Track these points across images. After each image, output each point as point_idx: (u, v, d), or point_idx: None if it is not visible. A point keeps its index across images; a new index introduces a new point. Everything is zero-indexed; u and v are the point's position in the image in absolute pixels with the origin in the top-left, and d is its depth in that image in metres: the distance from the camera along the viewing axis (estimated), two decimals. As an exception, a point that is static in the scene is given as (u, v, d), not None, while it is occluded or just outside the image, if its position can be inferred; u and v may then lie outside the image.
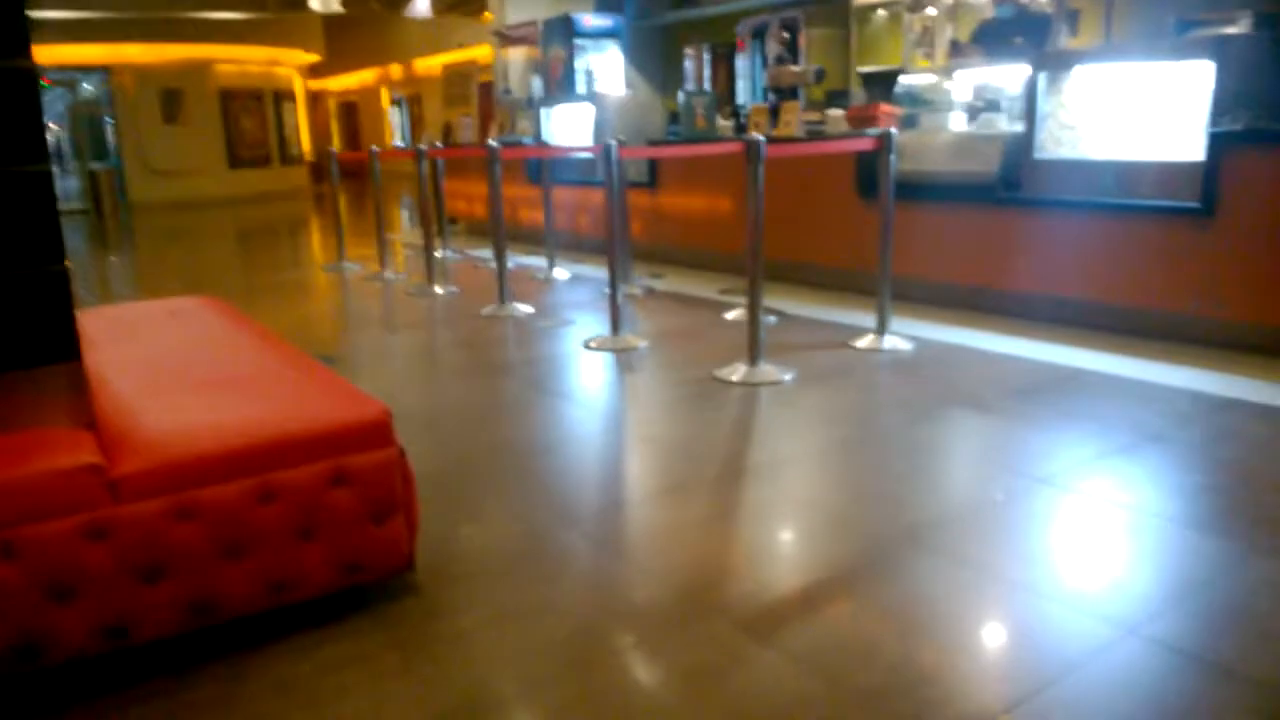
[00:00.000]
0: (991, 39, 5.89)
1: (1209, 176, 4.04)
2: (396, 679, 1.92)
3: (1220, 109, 4.05)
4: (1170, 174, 4.25)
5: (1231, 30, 5.16)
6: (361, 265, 7.98)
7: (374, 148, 7.83)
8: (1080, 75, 4.71)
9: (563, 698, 1.84)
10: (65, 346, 2.09)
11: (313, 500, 2.04)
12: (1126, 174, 4.44)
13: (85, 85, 17.48)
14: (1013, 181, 4.88)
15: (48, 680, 1.89)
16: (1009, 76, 5.49)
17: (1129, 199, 4.39)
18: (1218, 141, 4.01)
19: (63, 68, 16.58)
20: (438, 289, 6.56)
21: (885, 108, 5.62)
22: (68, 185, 16.80)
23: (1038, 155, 4.77)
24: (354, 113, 26.59)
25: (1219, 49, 4.14)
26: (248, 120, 18.72)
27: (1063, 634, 2.02)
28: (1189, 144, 4.22)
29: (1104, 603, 2.13)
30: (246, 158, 18.65)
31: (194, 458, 1.94)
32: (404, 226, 11.63)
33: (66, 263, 2.07)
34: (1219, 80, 4.05)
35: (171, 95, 17.51)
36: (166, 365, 2.61)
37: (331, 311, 6.59)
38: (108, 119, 17.31)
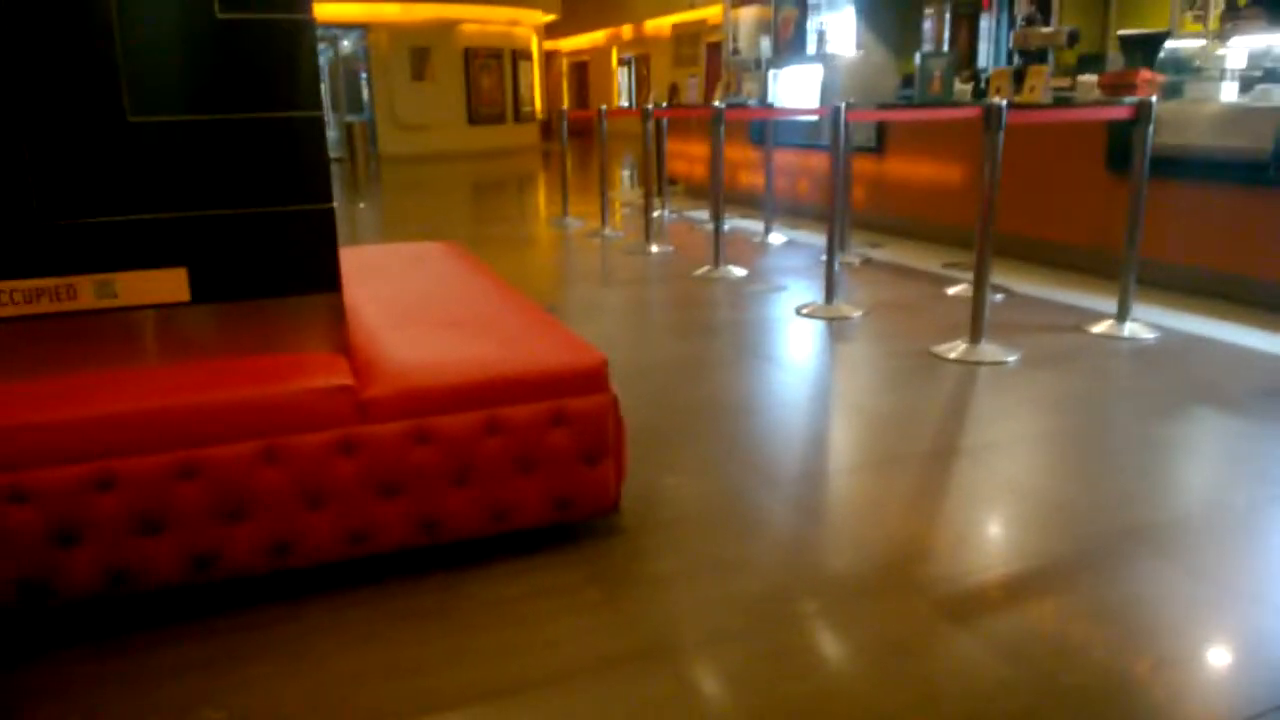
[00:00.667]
0: (1276, 1, 5.26)
1: None
2: (597, 611, 2.02)
3: None
4: None
5: None
6: (583, 221, 8.25)
7: (602, 107, 8.04)
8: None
9: (749, 652, 1.88)
10: (328, 278, 2.31)
11: (533, 437, 2.17)
12: None
13: (345, 42, 18.93)
14: (1291, 160, 4.37)
15: (295, 577, 2.12)
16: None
17: None
18: None
19: (326, 25, 18.01)
20: (654, 248, 6.69)
21: (1145, 74, 5.16)
22: (329, 136, 18.33)
23: (1325, 131, 4.24)
24: (584, 72, 27.32)
25: None
26: (487, 78, 19.67)
27: (1307, 658, 1.84)
28: None
29: (1362, 631, 1.92)
30: (484, 114, 19.63)
31: (433, 387, 2.11)
32: (625, 185, 11.90)
33: (333, 202, 2.29)
34: None
35: (420, 53, 18.67)
36: (410, 302, 2.84)
37: (553, 263, 6.88)
38: (363, 74, 18.70)
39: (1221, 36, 5.30)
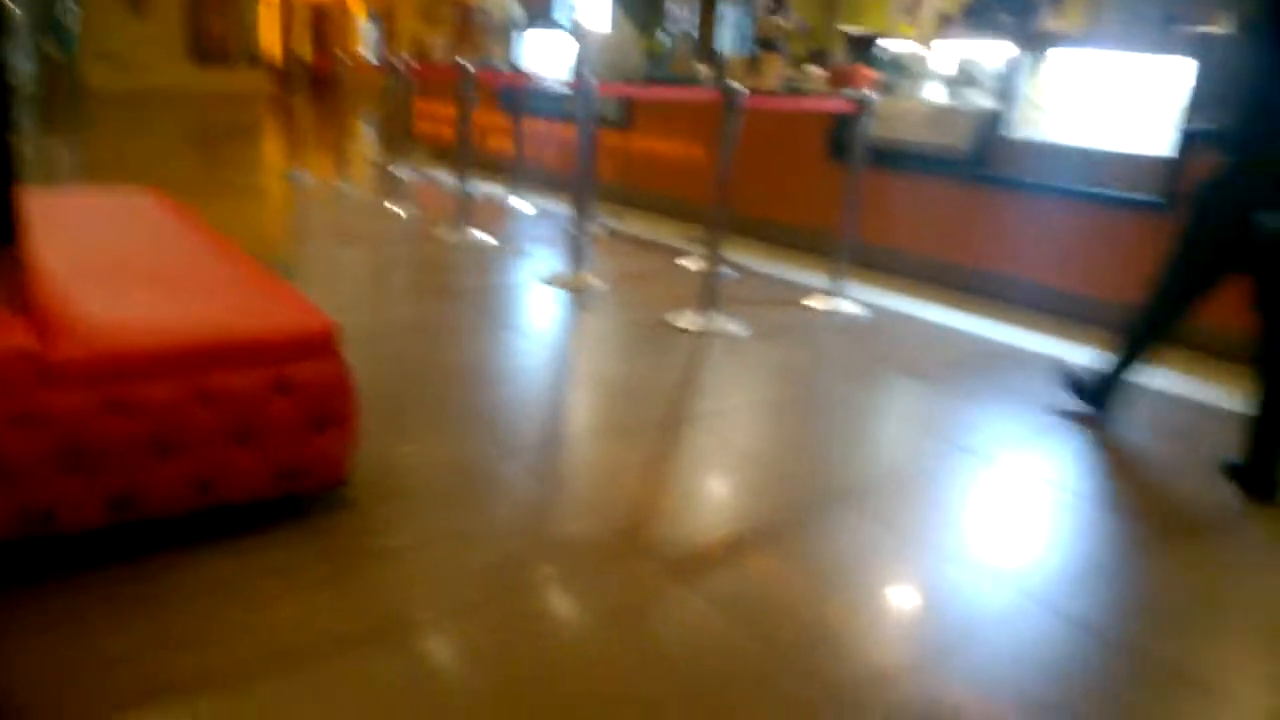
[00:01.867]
0: (978, 13, 5.87)
1: (1175, 173, 4.09)
2: (325, 590, 1.92)
3: (1196, 107, 4.09)
4: (1137, 167, 4.30)
5: (1216, 29, 5.20)
6: (319, 176, 7.79)
7: (343, 55, 7.61)
8: (1060, 58, 4.72)
9: (485, 622, 1.86)
10: (3, 226, 2.01)
11: (251, 405, 2.01)
12: (1095, 162, 4.48)
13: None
14: (982, 158, 4.91)
15: (-36, 563, 1.85)
16: (992, 52, 5.48)
17: (1095, 187, 4.44)
18: (1189, 139, 4.05)
19: (23, -59, 15.75)
20: (396, 208, 6.44)
21: (865, 71, 5.59)
22: (25, 67, 16.07)
23: (1008, 134, 4.80)
24: (324, 20, 25.73)
25: (1202, 47, 4.17)
26: (214, 16, 18.04)
27: (973, 600, 2.08)
28: (1160, 138, 4.26)
29: (1018, 574, 2.20)
30: (212, 54, 18.00)
31: (131, 350, 1.90)
32: (367, 141, 11.37)
33: (12, 137, 1.99)
34: (1199, 78, 4.08)
35: (136, -19, 16.79)
36: (108, 256, 2.54)
37: (284, 220, 6.45)
38: (70, 2, 16.54)
39: (929, 40, 5.84)
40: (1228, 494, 2.74)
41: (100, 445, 1.87)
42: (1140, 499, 2.72)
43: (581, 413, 3.19)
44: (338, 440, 2.16)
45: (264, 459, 2.06)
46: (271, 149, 11.01)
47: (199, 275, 2.42)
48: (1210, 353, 3.98)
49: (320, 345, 2.13)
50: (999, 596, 2.10)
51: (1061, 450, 3.01)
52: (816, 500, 2.51)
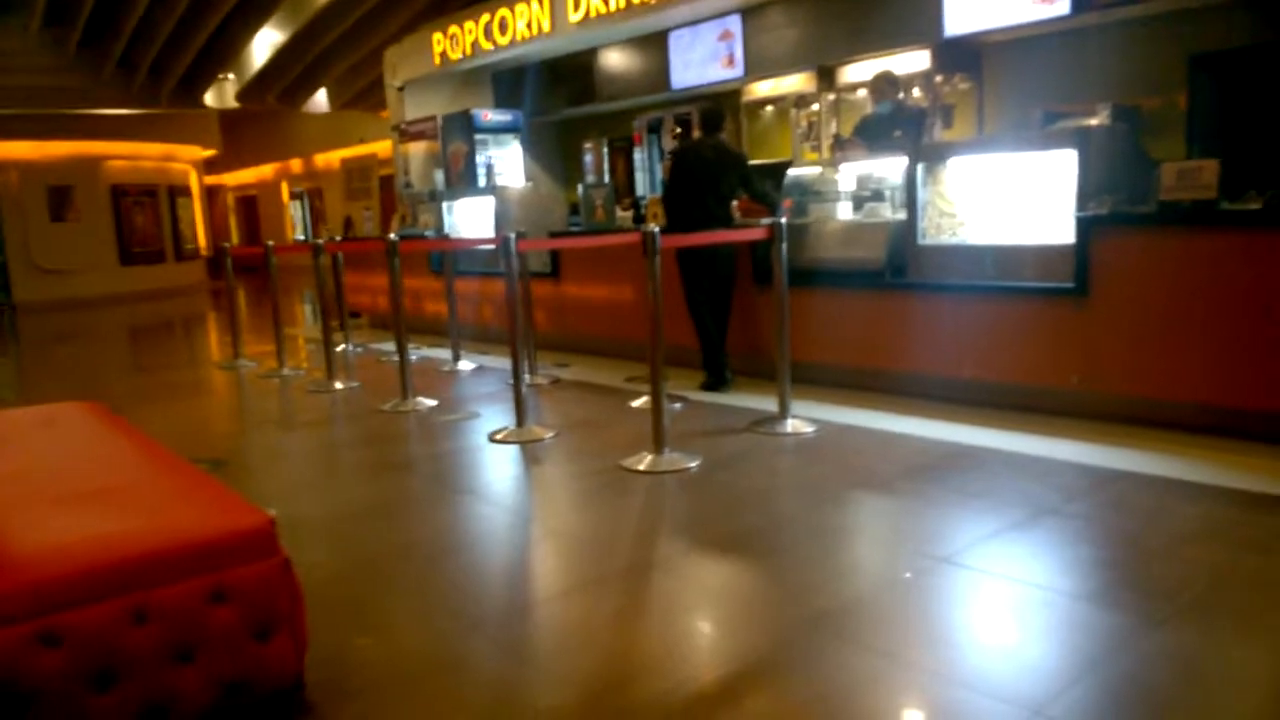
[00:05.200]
0: (872, 133, 6.17)
1: (1080, 257, 4.26)
2: (282, 810, 1.79)
3: (1085, 195, 4.30)
4: (1045, 256, 4.47)
5: (1093, 121, 5.53)
6: (258, 362, 7.75)
7: (269, 243, 7.71)
8: (956, 165, 4.96)
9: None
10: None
11: (190, 619, 1.92)
12: (1005, 257, 4.66)
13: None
14: (899, 267, 5.07)
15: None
16: (890, 167, 5.75)
17: (1009, 281, 4.59)
18: (1085, 225, 4.24)
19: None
20: (338, 384, 6.41)
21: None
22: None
23: (921, 241, 4.98)
24: (253, 206, 26.21)
25: (1081, 139, 4.42)
26: (140, 216, 18.25)
27: (969, 719, 2.02)
28: (1060, 228, 4.45)
29: (1008, 684, 2.14)
30: (139, 254, 18.12)
31: (59, 578, 1.82)
32: (306, 322, 11.41)
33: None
34: (1082, 168, 4.31)
35: (59, 192, 16.98)
36: (35, 478, 2.46)
37: (225, 411, 6.37)
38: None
39: (833, 164, 6.11)
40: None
41: (38, 684, 1.76)
42: (1122, 588, 2.70)
43: (547, 572, 3.11)
44: (284, 642, 2.06)
45: (208, 673, 1.95)
46: (208, 340, 10.98)
47: (128, 486, 2.34)
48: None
49: (257, 543, 2.06)
50: (998, 711, 2.02)
51: (1036, 548, 2.99)
52: (800, 633, 2.44)
